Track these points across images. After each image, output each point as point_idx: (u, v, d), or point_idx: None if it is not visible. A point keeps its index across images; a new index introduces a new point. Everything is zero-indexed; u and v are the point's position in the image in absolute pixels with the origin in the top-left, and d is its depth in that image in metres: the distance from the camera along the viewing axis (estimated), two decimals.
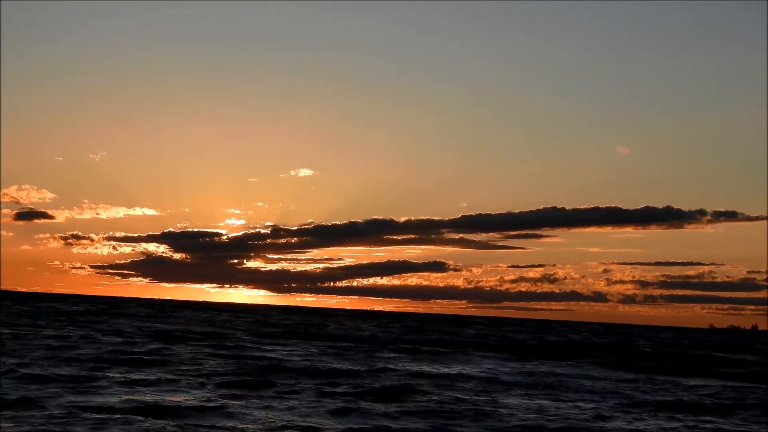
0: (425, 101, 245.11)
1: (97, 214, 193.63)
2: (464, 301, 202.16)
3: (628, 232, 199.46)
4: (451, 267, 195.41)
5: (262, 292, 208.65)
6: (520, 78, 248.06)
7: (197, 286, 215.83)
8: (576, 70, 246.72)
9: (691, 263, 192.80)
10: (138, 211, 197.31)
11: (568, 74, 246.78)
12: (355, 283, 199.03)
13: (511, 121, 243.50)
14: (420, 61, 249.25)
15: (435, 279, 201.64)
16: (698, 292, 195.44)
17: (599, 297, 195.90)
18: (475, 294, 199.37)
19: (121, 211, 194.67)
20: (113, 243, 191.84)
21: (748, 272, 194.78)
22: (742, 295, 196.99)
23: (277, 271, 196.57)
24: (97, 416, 18.95)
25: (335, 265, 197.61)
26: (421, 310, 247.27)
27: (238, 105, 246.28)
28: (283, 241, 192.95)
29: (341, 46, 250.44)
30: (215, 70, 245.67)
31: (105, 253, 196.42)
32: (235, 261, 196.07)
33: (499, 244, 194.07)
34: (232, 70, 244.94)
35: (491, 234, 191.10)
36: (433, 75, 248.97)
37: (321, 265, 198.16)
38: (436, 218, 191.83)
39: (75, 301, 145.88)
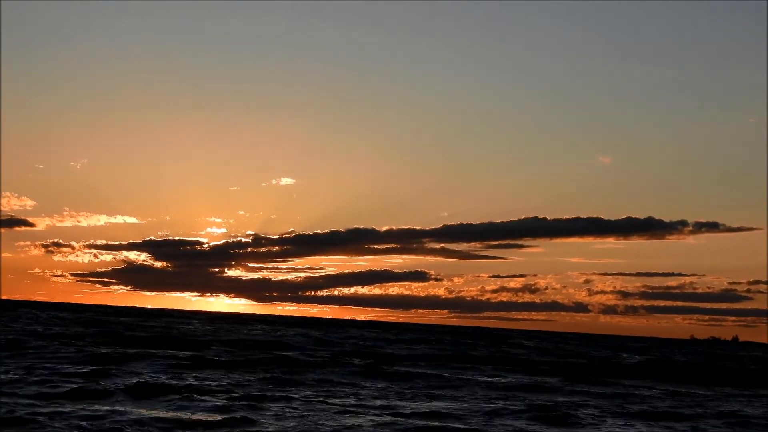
0: (407, 110, 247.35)
1: (78, 221, 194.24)
2: (445, 311, 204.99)
3: (610, 242, 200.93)
4: (433, 276, 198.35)
5: (243, 300, 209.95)
6: (502, 86, 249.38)
7: (178, 294, 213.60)
8: (558, 78, 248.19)
9: (672, 274, 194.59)
10: (119, 219, 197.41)
11: (550, 82, 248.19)
12: (336, 293, 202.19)
13: (493, 130, 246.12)
14: (402, 69, 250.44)
15: (416, 288, 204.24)
16: (679, 303, 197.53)
17: (580, 307, 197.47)
18: (456, 304, 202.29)
19: (102, 219, 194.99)
20: (94, 251, 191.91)
21: (729, 283, 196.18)
22: (723, 306, 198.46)
23: (258, 279, 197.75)
24: None
25: (316, 274, 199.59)
26: (401, 320, 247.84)
27: (219, 113, 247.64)
28: (264, 249, 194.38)
29: (322, 54, 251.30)
30: (197, 79, 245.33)
31: (86, 261, 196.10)
32: (216, 269, 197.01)
33: (481, 253, 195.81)
34: (214, 79, 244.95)
35: (473, 243, 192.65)
36: (416, 83, 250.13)
37: (302, 274, 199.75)
38: (418, 227, 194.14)
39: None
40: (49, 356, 40.85)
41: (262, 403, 26.94)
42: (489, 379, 42.55)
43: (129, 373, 34.23)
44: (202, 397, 27.02)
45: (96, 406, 23.89)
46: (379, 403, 29.46)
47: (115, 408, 23.74)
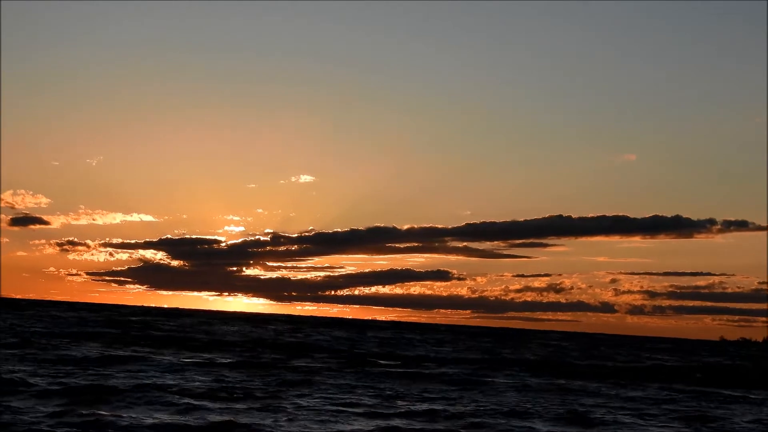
0: (429, 107, 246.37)
1: (94, 220, 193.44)
2: (468, 311, 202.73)
3: (636, 241, 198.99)
4: (455, 276, 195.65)
5: (262, 300, 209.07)
6: (527, 83, 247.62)
7: (195, 293, 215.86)
8: (583, 74, 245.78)
9: (700, 273, 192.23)
10: (135, 217, 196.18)
11: (575, 79, 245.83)
12: (356, 292, 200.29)
13: (517, 126, 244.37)
14: (424, 66, 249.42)
15: (438, 288, 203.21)
16: (708, 303, 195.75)
17: (607, 308, 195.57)
18: (480, 304, 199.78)
19: (117, 217, 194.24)
20: (110, 249, 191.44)
21: (760, 283, 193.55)
22: (753, 306, 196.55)
23: (276, 279, 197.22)
24: None
25: (336, 274, 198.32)
26: (423, 320, 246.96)
27: (237, 110, 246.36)
28: (282, 248, 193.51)
29: (343, 52, 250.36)
30: (214, 75, 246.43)
31: (101, 260, 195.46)
32: (234, 268, 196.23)
33: (504, 252, 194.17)
34: (232, 76, 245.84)
35: (496, 242, 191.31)
36: (438, 80, 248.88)
37: (322, 273, 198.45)
38: (440, 226, 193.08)
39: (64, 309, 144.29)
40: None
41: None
42: (519, 380, 41.60)
43: None
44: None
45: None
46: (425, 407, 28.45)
47: None
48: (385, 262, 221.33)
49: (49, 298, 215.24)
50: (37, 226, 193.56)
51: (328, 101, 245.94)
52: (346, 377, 38.60)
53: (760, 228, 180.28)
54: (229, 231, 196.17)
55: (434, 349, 73.66)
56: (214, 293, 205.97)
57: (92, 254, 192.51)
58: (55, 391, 27.44)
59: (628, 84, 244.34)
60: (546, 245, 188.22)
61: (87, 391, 27.64)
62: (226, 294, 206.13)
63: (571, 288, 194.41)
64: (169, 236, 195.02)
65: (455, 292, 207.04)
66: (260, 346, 61.37)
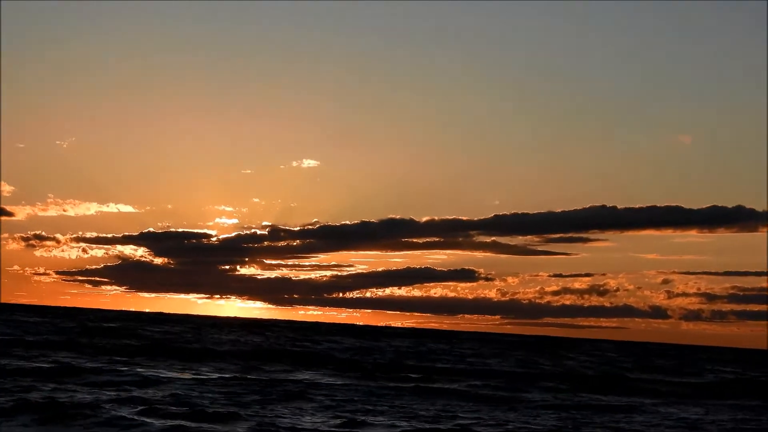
0: (453, 82, 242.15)
1: (65, 210, 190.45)
2: (497, 317, 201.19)
3: (692, 235, 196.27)
4: (482, 276, 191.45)
5: (259, 304, 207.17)
6: (566, 54, 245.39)
7: (182, 296, 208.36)
8: (630, 43, 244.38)
9: (766, 273, 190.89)
10: (112, 208, 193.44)
11: (621, 49, 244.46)
12: (368, 294, 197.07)
13: (553, 104, 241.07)
14: (447, 38, 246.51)
15: (463, 290, 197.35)
16: None
17: (658, 312, 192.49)
18: (511, 308, 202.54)
19: (92, 208, 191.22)
20: (83, 245, 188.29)
21: None
22: None
23: (276, 279, 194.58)
24: None
25: (345, 273, 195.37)
26: (446, 327, 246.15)
27: (230, 86, 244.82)
28: (283, 243, 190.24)
29: (352, 17, 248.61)
30: (204, 47, 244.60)
31: (73, 257, 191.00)
32: (227, 267, 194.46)
33: (539, 249, 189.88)
34: (224, 48, 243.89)
35: (529, 237, 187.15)
36: (462, 51, 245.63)
37: (328, 273, 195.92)
38: (464, 218, 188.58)
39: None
40: None
41: None
42: (560, 397, 41.20)
43: None
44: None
45: None
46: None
47: None
48: (401, 260, 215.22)
49: (12, 301, 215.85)
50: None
51: (334, 75, 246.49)
52: (355, 392, 38.51)
53: None
54: (221, 224, 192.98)
55: (459, 360, 73.77)
56: (203, 296, 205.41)
57: (63, 250, 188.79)
58: (8, 409, 27.32)
59: (682, 54, 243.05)
60: (587, 240, 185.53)
61: (45, 408, 27.50)
62: (218, 296, 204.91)
63: (617, 290, 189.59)
64: (151, 229, 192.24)
65: (482, 295, 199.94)
66: (254, 357, 61.40)
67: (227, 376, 43.18)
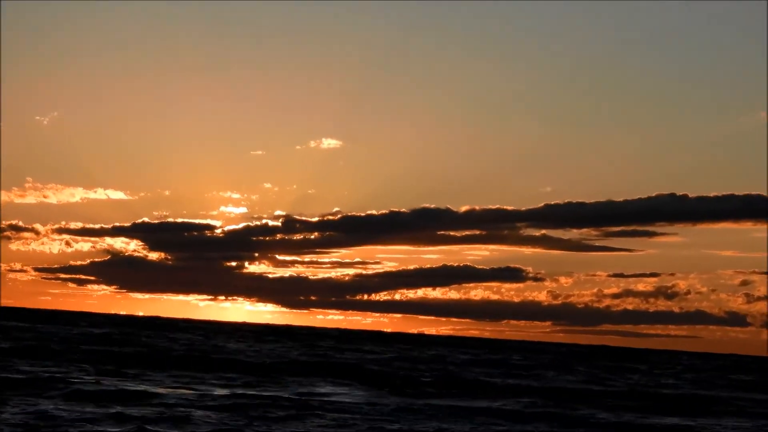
0: (498, 52, 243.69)
1: (45, 197, 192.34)
2: (548, 322, 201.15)
3: None
4: (530, 275, 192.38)
5: (270, 306, 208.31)
6: (628, 26, 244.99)
7: (181, 297, 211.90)
8: (703, 10, 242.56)
9: None
10: (100, 194, 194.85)
11: (692, 18, 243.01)
12: (397, 296, 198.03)
13: (612, 80, 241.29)
14: (496, 5, 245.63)
15: (508, 292, 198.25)
16: None
17: (735, 319, 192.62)
18: (564, 313, 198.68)
19: (77, 194, 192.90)
20: (66, 237, 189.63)
21: None
22: None
23: (290, 278, 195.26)
24: None
25: (370, 271, 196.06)
26: (487, 335, 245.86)
27: (238, 53, 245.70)
28: (299, 236, 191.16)
29: None
30: (209, 11, 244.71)
31: (55, 251, 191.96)
32: (233, 264, 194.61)
33: (596, 244, 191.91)
34: (229, 14, 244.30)
35: (585, 230, 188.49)
36: (508, 21, 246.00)
37: (351, 271, 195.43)
38: (509, 208, 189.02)
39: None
40: None
41: None
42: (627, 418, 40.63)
43: None
44: None
45: None
46: None
47: None
48: (436, 257, 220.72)
49: None
50: None
51: (360, 40, 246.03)
52: (381, 410, 38.44)
53: None
54: (227, 213, 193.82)
55: (498, 372, 73.34)
56: (206, 297, 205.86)
57: (42, 243, 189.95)
58: None
59: (761, 19, 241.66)
60: (653, 234, 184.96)
61: None
62: (222, 298, 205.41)
63: (687, 292, 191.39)
64: (145, 220, 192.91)
65: (530, 297, 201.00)
66: (257, 368, 61.25)
67: (239, 392, 42.98)
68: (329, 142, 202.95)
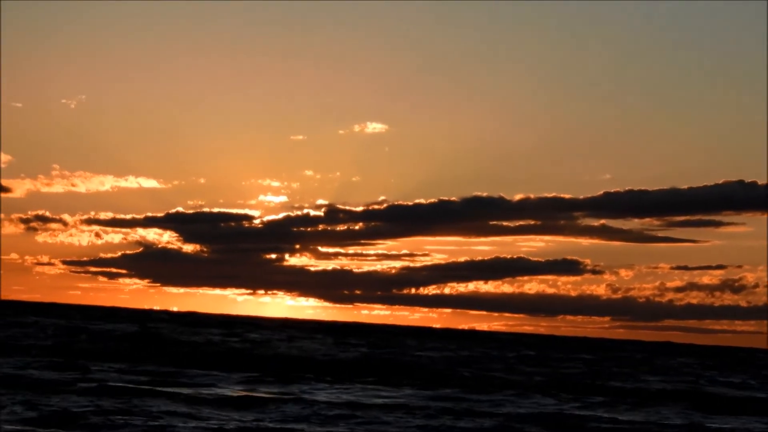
0: (552, 31, 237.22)
1: (73, 185, 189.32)
2: (607, 318, 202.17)
3: None
4: (588, 268, 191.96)
5: (312, 301, 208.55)
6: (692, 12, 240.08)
7: (217, 291, 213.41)
8: None
9: None
10: (132, 182, 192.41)
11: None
12: (447, 290, 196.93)
13: (677, 59, 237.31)
14: None
15: (564, 285, 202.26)
16: None
17: None
18: (624, 308, 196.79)
19: (107, 182, 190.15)
20: (96, 228, 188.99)
21: None
22: None
23: (333, 271, 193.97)
24: None
25: (418, 264, 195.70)
26: (543, 331, 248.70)
27: (278, 32, 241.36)
28: (342, 227, 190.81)
29: None
30: None
31: (84, 243, 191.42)
32: (273, 256, 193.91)
33: (659, 234, 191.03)
34: None
35: (647, 220, 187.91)
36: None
37: (397, 264, 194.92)
38: (566, 196, 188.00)
39: None
40: None
41: None
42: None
43: None
44: None
45: None
46: None
47: None
48: (488, 248, 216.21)
49: (9, 297, 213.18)
50: None
51: (407, 18, 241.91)
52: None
53: None
54: (266, 202, 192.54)
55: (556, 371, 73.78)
56: (243, 291, 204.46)
57: (71, 235, 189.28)
58: None
59: None
60: (720, 224, 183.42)
61: None
62: (262, 292, 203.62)
63: (756, 286, 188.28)
64: (180, 209, 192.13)
65: (589, 291, 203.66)
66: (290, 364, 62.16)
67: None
68: (374, 126, 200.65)
